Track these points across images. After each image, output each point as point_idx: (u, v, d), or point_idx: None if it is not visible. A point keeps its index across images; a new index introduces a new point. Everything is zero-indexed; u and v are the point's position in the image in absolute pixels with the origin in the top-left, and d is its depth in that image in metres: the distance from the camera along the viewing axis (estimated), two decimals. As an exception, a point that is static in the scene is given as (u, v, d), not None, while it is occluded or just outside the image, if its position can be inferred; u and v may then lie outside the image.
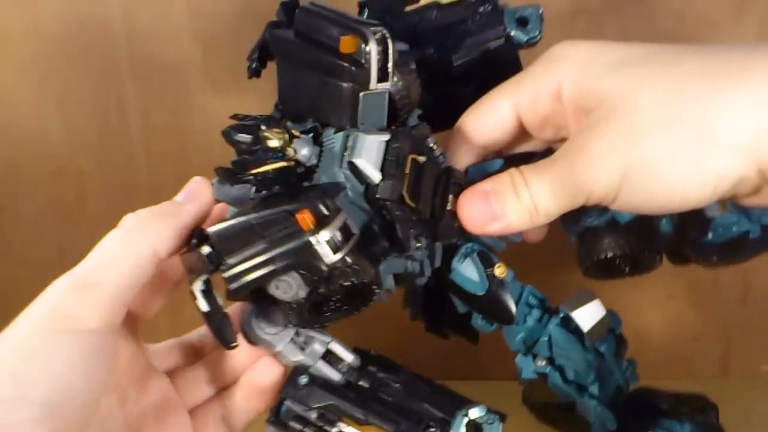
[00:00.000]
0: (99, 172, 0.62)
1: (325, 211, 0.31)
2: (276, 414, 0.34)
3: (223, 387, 0.39)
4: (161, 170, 0.61)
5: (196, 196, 0.34)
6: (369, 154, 0.33)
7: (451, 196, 0.36)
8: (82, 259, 0.33)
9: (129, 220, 0.33)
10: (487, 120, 0.37)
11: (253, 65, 0.37)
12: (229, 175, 0.34)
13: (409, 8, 0.41)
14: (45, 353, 0.30)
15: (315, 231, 0.30)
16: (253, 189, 0.33)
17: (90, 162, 0.62)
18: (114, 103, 0.60)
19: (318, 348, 0.35)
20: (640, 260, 0.41)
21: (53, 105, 0.60)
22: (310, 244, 0.30)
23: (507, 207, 0.34)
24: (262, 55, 0.37)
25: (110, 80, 0.60)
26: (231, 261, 0.31)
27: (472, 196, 0.35)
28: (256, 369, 0.37)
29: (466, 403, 0.34)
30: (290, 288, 0.31)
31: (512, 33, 0.41)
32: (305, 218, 0.30)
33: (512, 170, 0.35)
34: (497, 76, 0.39)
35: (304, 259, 0.30)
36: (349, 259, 0.31)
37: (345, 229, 0.31)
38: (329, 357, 0.35)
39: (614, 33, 0.59)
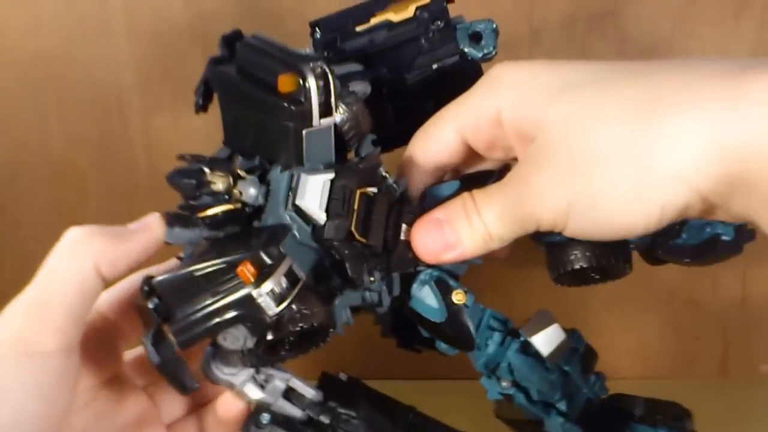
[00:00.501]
0: (100, 172, 0.62)
1: (268, 260, 0.31)
2: None
3: (200, 404, 0.39)
4: (162, 170, 0.60)
5: (148, 227, 0.34)
6: (313, 195, 0.33)
7: (404, 225, 0.35)
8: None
9: (72, 233, 0.33)
10: (434, 145, 0.37)
11: (199, 101, 0.36)
12: (178, 219, 0.33)
13: (359, 27, 0.40)
14: (2, 381, 0.30)
15: (257, 284, 0.30)
16: (205, 231, 0.33)
17: (91, 162, 0.62)
18: (115, 103, 0.60)
19: (278, 385, 0.35)
20: (610, 269, 0.40)
21: (53, 105, 0.60)
22: (252, 297, 0.30)
23: (461, 234, 0.34)
24: (206, 90, 0.36)
25: (111, 80, 0.60)
26: (177, 314, 0.31)
27: (424, 225, 0.35)
28: (220, 401, 0.37)
29: None
30: (237, 340, 0.31)
31: (466, 50, 0.40)
32: (245, 271, 0.30)
33: (464, 195, 0.34)
34: (457, 90, 0.38)
35: (247, 312, 0.30)
36: (294, 307, 0.31)
37: (290, 276, 0.31)
38: (290, 394, 0.35)
39: (614, 35, 0.58)
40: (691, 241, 0.42)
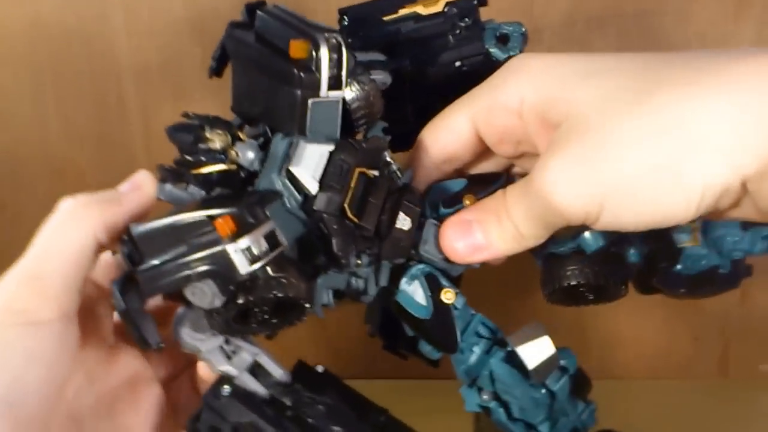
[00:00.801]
0: (99, 170, 0.62)
1: (250, 219, 0.30)
2: (194, 420, 0.33)
3: (194, 362, 0.38)
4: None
5: (139, 186, 0.34)
6: (308, 163, 0.32)
7: (401, 214, 0.34)
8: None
9: (65, 204, 0.33)
10: (445, 134, 0.36)
11: (213, 64, 0.36)
12: (170, 174, 0.33)
13: (387, 17, 0.40)
14: (1, 349, 0.30)
15: (233, 238, 0.29)
16: (196, 189, 0.33)
17: (90, 160, 0.62)
18: (114, 101, 0.61)
19: (246, 359, 0.34)
20: (605, 290, 0.39)
21: (53, 103, 0.61)
22: (225, 252, 0.29)
23: (491, 235, 0.33)
24: (222, 55, 0.36)
25: (110, 78, 0.60)
26: (148, 262, 0.30)
27: (453, 226, 0.34)
28: (200, 363, 0.36)
29: None
30: (205, 296, 0.30)
31: (491, 50, 0.39)
32: (224, 225, 0.29)
33: (498, 194, 0.34)
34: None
35: (219, 267, 0.29)
36: (270, 271, 0.30)
37: (271, 239, 0.30)
38: (257, 370, 0.34)
39: (614, 33, 0.59)
40: (687, 271, 0.40)
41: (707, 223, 0.40)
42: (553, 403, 0.36)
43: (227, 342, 0.34)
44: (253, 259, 0.29)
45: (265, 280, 0.30)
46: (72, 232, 0.32)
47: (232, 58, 0.35)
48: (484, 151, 0.37)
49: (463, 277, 0.40)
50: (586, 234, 0.36)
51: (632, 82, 0.29)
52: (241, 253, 0.29)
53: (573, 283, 0.37)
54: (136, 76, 0.60)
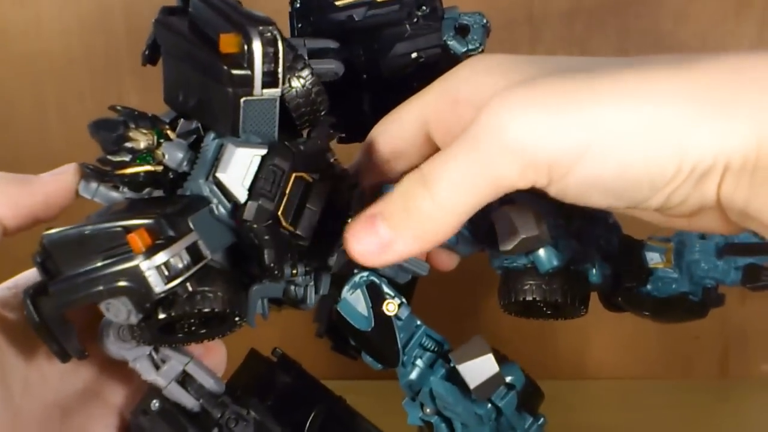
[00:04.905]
0: None
1: (170, 232, 0.28)
2: None
3: None
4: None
5: (58, 175, 0.32)
6: (237, 169, 0.29)
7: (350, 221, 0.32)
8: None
9: None
10: (393, 127, 0.33)
11: (146, 51, 0.34)
12: (94, 173, 0.31)
13: (340, 2, 0.37)
14: None
15: (147, 255, 0.27)
16: (126, 191, 0.31)
17: (91, 161, 0.61)
18: (114, 100, 0.59)
19: (174, 368, 0.32)
20: (564, 308, 0.37)
21: (53, 103, 0.61)
22: (139, 269, 0.27)
23: (398, 226, 0.28)
24: (155, 43, 0.33)
25: (110, 78, 0.60)
26: (63, 273, 0.28)
27: (356, 224, 0.30)
28: None
29: None
30: (120, 312, 0.28)
31: (449, 42, 0.37)
32: (137, 239, 0.27)
33: (409, 174, 0.29)
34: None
35: (133, 284, 0.27)
36: (191, 287, 0.28)
37: (194, 253, 0.28)
38: (187, 379, 0.32)
39: (614, 33, 0.58)
40: (656, 293, 0.38)
41: (682, 245, 0.38)
42: (499, 418, 0.35)
43: (156, 350, 0.32)
44: (171, 276, 0.27)
45: (186, 296, 0.28)
46: None
47: (162, 47, 0.32)
48: (430, 152, 0.34)
49: (417, 283, 0.38)
50: (540, 252, 0.34)
51: (613, 63, 0.27)
52: (156, 271, 0.27)
53: (528, 298, 0.35)
54: (137, 77, 0.59)
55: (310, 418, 0.35)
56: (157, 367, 0.32)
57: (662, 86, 0.25)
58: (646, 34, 0.57)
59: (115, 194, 0.32)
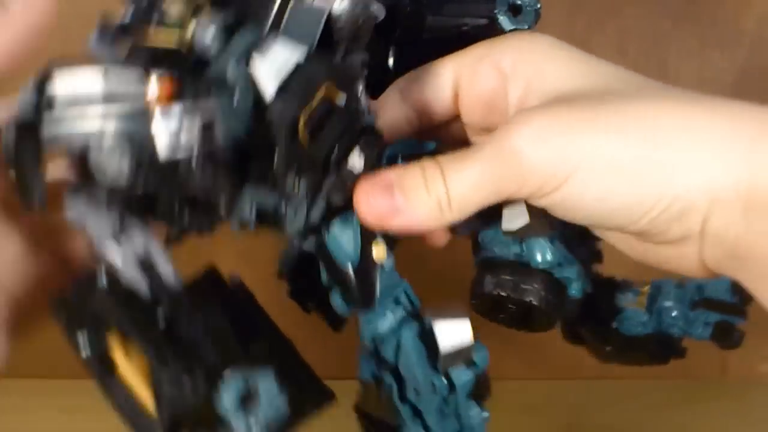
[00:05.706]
0: None
1: (193, 98, 0.26)
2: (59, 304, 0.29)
3: None
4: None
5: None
6: (272, 63, 0.28)
7: (355, 154, 0.31)
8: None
9: None
10: (424, 76, 0.34)
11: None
12: (115, 30, 0.29)
13: (400, -52, 0.36)
14: None
15: (164, 109, 0.25)
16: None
17: None
18: None
19: (136, 248, 0.30)
20: (534, 316, 0.36)
21: None
22: (153, 119, 0.25)
23: (414, 199, 0.30)
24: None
25: None
26: (59, 106, 0.26)
27: (372, 185, 0.30)
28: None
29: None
30: (113, 161, 0.26)
31: (500, 17, 0.36)
32: (159, 83, 0.25)
33: (425, 160, 0.31)
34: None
35: (139, 129, 0.25)
36: (194, 164, 0.27)
37: (205, 130, 0.27)
38: (145, 265, 0.30)
39: (614, 33, 0.59)
40: (622, 330, 0.39)
41: (657, 291, 0.39)
42: (450, 397, 0.34)
43: (121, 223, 0.30)
44: (176, 145, 0.25)
45: (187, 169, 0.27)
46: None
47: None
48: (452, 121, 0.35)
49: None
50: (536, 243, 0.34)
51: (633, 87, 0.30)
52: (166, 125, 0.25)
53: (503, 293, 0.34)
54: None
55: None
56: (117, 245, 0.30)
57: (661, 122, 0.28)
58: (646, 34, 0.58)
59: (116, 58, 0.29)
